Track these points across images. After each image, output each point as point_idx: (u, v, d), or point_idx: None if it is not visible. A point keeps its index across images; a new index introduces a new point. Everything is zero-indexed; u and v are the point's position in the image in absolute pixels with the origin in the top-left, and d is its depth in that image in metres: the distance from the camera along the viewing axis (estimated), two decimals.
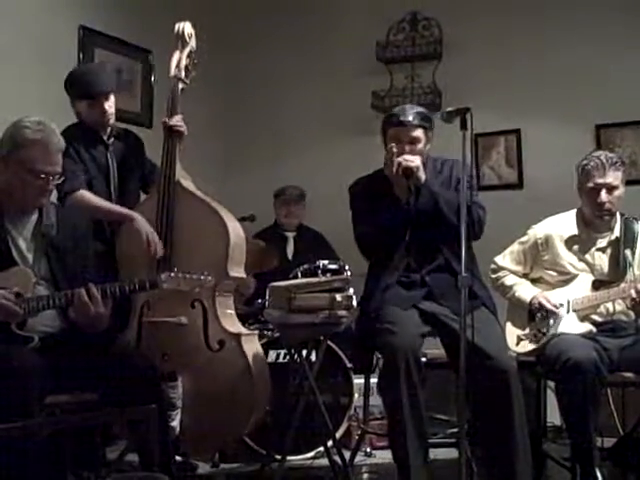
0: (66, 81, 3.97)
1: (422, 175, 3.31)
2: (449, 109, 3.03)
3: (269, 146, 5.89)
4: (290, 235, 5.21)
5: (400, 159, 3.29)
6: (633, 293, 3.38)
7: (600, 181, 3.48)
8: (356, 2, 5.79)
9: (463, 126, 2.93)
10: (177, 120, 3.83)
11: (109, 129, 3.95)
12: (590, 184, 3.50)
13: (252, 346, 3.66)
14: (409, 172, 3.28)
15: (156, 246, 3.63)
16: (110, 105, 3.88)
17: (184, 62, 3.91)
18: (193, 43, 3.97)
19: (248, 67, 5.92)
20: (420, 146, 3.37)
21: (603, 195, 3.49)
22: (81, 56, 4.88)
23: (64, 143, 3.03)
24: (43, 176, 2.93)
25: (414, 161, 3.29)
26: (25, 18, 4.53)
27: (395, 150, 3.32)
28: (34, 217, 3.04)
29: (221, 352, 3.55)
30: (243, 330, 3.72)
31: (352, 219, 3.51)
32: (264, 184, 5.45)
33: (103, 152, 3.92)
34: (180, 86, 3.88)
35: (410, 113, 3.37)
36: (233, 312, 3.79)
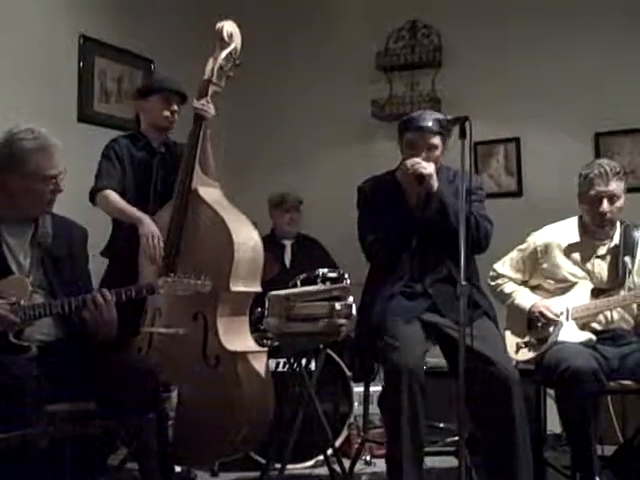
0: (145, 79, 4.21)
1: (434, 183, 3.27)
2: (448, 117, 3.03)
3: (269, 155, 5.89)
4: (288, 243, 5.19)
5: (414, 165, 3.27)
6: None
7: (602, 189, 3.46)
8: (355, 10, 5.81)
9: (462, 134, 2.92)
10: (202, 104, 3.78)
11: (163, 137, 4.01)
12: (592, 192, 3.49)
13: (255, 366, 3.56)
14: (422, 179, 3.26)
15: (153, 250, 3.62)
16: (176, 109, 3.97)
17: (219, 64, 3.81)
18: (235, 43, 3.87)
19: (248, 76, 5.90)
20: (437, 153, 3.34)
21: (605, 204, 3.48)
22: (81, 65, 4.89)
23: (59, 142, 3.02)
24: (54, 180, 2.95)
25: (427, 168, 3.26)
26: (25, 27, 4.54)
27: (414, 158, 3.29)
28: (31, 226, 3.04)
29: (217, 368, 3.48)
30: (247, 348, 3.61)
31: (358, 219, 3.48)
32: (264, 193, 5.44)
33: (149, 159, 3.97)
34: (211, 90, 3.81)
35: (429, 119, 3.33)
36: (243, 329, 3.68)
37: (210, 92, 3.81)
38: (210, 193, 3.75)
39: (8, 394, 2.58)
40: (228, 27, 3.86)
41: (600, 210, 3.49)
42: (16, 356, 2.81)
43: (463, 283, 2.82)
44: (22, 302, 2.85)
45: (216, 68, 3.81)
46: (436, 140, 3.33)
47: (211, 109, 3.80)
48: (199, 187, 3.72)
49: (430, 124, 3.31)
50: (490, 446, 3.11)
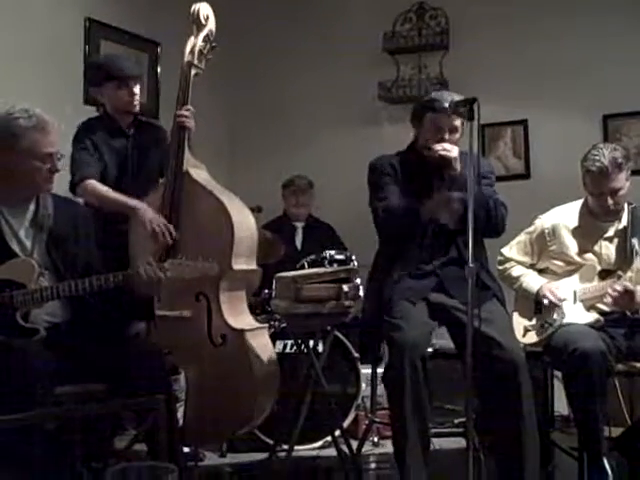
0: (92, 65, 4.01)
1: (458, 166, 3.25)
2: (456, 99, 3.02)
3: (275, 137, 5.88)
4: (299, 225, 5.21)
5: (439, 147, 3.25)
6: (611, 292, 3.37)
7: (604, 187, 3.44)
8: None
9: (470, 116, 2.90)
10: (184, 111, 3.71)
11: (131, 118, 3.93)
12: (594, 190, 3.47)
13: (258, 341, 3.56)
14: (447, 162, 3.25)
15: (164, 233, 3.55)
16: (137, 91, 3.88)
17: (199, 46, 3.75)
18: (211, 25, 3.80)
19: (254, 57, 5.91)
20: (457, 136, 3.32)
21: (609, 201, 3.46)
22: (87, 48, 4.88)
23: (55, 121, 3.00)
24: (50, 159, 2.94)
25: (452, 151, 3.25)
26: (31, 10, 4.53)
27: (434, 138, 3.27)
28: (32, 207, 3.03)
29: (223, 347, 3.46)
30: (249, 325, 3.61)
31: (370, 192, 3.42)
32: (271, 175, 5.45)
33: (123, 143, 3.90)
34: (193, 72, 3.74)
35: (452, 101, 3.24)
36: (243, 306, 3.69)
37: (192, 74, 3.74)
38: (200, 174, 3.71)
39: (16, 376, 2.59)
40: (204, 9, 3.80)
41: (605, 206, 3.48)
42: (24, 339, 2.81)
43: (471, 265, 2.82)
44: (32, 285, 2.86)
45: (196, 50, 3.75)
46: (458, 122, 3.30)
47: (192, 122, 3.72)
48: (190, 169, 3.68)
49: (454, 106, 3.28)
50: (497, 428, 3.12)
